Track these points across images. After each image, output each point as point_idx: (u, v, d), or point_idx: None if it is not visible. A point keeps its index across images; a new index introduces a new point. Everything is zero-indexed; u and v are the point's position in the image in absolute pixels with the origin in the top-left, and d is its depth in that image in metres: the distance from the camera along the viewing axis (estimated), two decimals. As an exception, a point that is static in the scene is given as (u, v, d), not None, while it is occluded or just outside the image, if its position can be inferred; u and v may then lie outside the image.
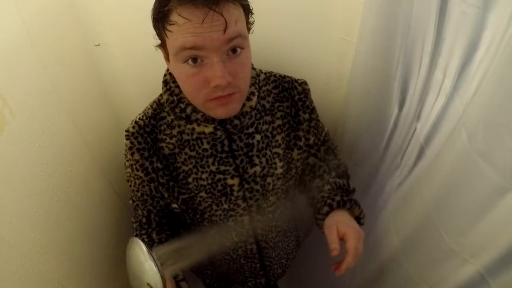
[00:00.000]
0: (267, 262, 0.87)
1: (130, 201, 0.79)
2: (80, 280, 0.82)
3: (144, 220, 0.77)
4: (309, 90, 0.75)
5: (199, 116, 0.64)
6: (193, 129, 0.65)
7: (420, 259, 0.63)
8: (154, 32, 0.60)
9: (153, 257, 0.58)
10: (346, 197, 0.72)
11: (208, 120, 0.64)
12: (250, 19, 0.61)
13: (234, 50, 0.56)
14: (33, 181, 0.70)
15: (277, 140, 0.72)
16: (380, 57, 0.78)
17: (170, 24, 0.55)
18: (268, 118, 0.72)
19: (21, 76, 0.70)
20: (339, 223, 0.66)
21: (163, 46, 0.60)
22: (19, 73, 0.69)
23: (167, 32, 0.56)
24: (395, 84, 0.78)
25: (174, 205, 0.73)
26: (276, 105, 0.73)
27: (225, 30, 0.53)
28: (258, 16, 0.90)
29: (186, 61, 0.56)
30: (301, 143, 0.74)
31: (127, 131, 0.69)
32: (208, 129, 0.64)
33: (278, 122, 0.72)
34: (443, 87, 0.59)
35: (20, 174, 0.66)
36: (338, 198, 0.71)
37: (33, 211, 0.69)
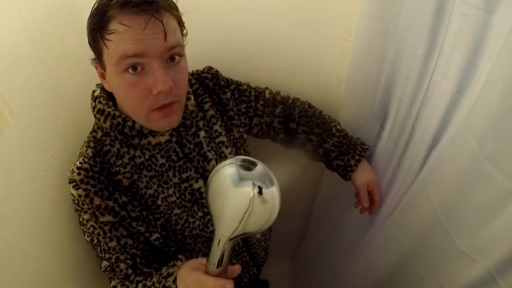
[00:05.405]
0: (253, 250, 0.88)
1: (102, 268, 0.69)
2: (80, 280, 0.82)
3: (130, 271, 0.68)
4: (216, 71, 0.78)
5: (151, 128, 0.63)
6: (149, 142, 0.63)
7: (430, 260, 0.63)
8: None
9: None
10: (356, 153, 0.84)
11: None
12: (183, 31, 0.62)
13: (172, 58, 0.58)
14: (33, 181, 0.70)
15: (216, 130, 0.75)
16: (370, 60, 0.79)
17: (109, 33, 0.54)
18: (201, 114, 0.75)
19: (21, 76, 0.70)
20: (369, 182, 0.83)
21: (99, 60, 0.58)
22: (19, 73, 0.69)
23: (106, 42, 0.54)
24: (379, 89, 0.81)
25: (155, 235, 0.69)
26: (199, 99, 0.76)
27: (165, 38, 0.55)
28: (258, 16, 0.91)
29: (126, 70, 0.55)
30: (236, 121, 0.79)
31: (73, 181, 0.62)
32: (164, 137, 0.64)
33: (210, 113, 0.75)
34: (443, 91, 0.59)
35: (20, 174, 0.66)
36: (352, 161, 0.84)
37: (33, 211, 0.69)
